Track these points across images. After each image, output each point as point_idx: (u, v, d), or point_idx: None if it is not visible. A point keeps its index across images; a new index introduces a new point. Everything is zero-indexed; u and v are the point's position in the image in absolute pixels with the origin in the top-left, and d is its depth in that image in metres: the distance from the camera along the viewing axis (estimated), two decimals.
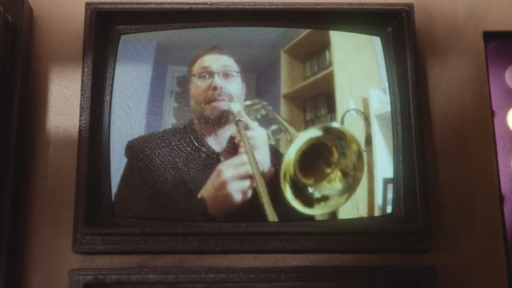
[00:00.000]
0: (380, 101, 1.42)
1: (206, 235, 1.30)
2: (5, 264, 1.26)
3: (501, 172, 1.41)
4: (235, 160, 1.36)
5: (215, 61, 1.42)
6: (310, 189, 1.36)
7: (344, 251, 1.34)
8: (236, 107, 1.39)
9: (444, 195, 1.39)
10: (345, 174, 1.36)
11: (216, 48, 1.43)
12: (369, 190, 1.37)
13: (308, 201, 1.36)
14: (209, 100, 1.40)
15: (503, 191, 1.41)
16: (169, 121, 1.39)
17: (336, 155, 1.36)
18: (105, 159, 1.35)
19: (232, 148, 1.37)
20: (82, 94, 1.35)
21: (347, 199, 1.36)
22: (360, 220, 1.36)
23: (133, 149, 1.36)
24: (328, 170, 1.36)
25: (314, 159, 1.37)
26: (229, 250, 1.31)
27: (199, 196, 1.33)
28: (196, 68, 1.42)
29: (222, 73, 1.41)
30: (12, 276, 1.30)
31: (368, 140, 1.40)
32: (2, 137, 1.31)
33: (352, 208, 1.37)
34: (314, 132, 1.39)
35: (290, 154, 1.35)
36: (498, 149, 1.42)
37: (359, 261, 1.34)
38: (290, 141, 1.37)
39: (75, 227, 1.29)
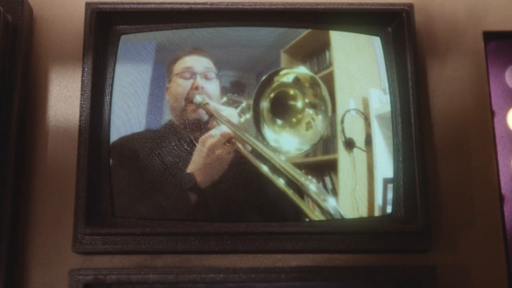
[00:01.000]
0: (380, 101, 1.42)
1: (206, 235, 1.30)
2: (5, 264, 1.26)
3: (501, 172, 1.41)
4: (214, 130, 1.38)
5: (197, 62, 1.43)
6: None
7: (344, 251, 1.33)
8: (200, 97, 1.41)
9: (444, 195, 1.39)
10: (313, 106, 1.38)
11: (196, 49, 1.44)
12: (369, 190, 1.37)
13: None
14: (190, 100, 1.40)
15: (503, 191, 1.41)
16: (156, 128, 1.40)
17: (300, 96, 1.38)
18: (105, 159, 1.35)
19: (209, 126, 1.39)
20: (82, 94, 1.35)
21: (329, 123, 1.39)
22: (360, 220, 1.36)
23: (117, 146, 1.37)
24: (299, 115, 1.38)
25: (284, 110, 1.40)
26: (229, 250, 1.31)
27: (187, 171, 1.35)
28: (178, 67, 1.42)
29: (203, 75, 1.42)
30: (12, 276, 1.30)
31: (368, 140, 1.40)
32: (2, 137, 1.31)
33: (352, 208, 1.37)
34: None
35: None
36: (498, 149, 1.43)
37: (359, 261, 1.34)
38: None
39: (75, 227, 1.29)
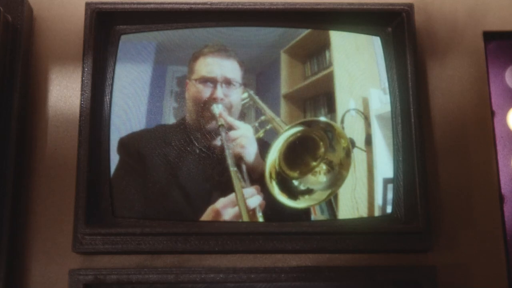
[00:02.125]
0: (380, 101, 1.42)
1: (206, 235, 1.30)
2: (5, 264, 1.26)
3: (501, 172, 1.41)
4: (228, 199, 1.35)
5: (219, 67, 1.41)
6: (295, 182, 1.36)
7: (344, 251, 1.33)
8: (218, 108, 1.38)
9: (444, 195, 1.39)
10: (330, 167, 1.36)
11: (222, 49, 1.42)
12: (369, 190, 1.37)
13: (293, 193, 1.36)
14: (207, 107, 1.39)
15: (503, 191, 1.41)
16: (169, 121, 1.39)
17: (322, 148, 1.36)
18: (105, 159, 1.35)
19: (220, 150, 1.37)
20: (82, 94, 1.35)
21: (330, 194, 1.36)
22: (360, 220, 1.36)
23: (125, 145, 1.36)
24: (314, 163, 1.36)
25: (301, 152, 1.37)
26: (229, 250, 1.31)
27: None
28: (199, 70, 1.41)
29: (225, 83, 1.40)
30: (12, 276, 1.30)
31: (368, 140, 1.40)
32: (2, 137, 1.31)
33: (352, 208, 1.37)
34: (300, 126, 1.39)
35: (274, 152, 1.35)
36: (498, 149, 1.43)
37: (359, 261, 1.34)
38: (277, 132, 1.37)
39: (75, 227, 1.29)
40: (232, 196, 1.34)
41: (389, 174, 1.38)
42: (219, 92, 1.39)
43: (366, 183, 1.37)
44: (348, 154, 1.37)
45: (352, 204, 1.37)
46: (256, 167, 1.37)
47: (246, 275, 1.30)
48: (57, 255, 1.33)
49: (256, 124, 1.40)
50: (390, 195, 1.37)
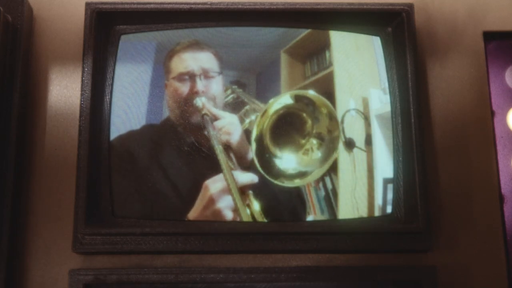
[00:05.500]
0: (380, 101, 1.42)
1: (206, 235, 1.30)
2: (5, 264, 1.26)
3: (501, 172, 1.41)
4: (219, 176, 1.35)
5: (195, 61, 1.40)
6: (287, 166, 1.36)
7: (344, 251, 1.33)
8: (201, 100, 1.38)
9: (444, 195, 1.39)
10: (321, 139, 1.36)
11: (195, 43, 1.41)
12: (369, 190, 1.37)
13: (285, 177, 1.36)
14: (189, 102, 1.39)
15: (503, 191, 1.41)
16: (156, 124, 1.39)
17: (309, 121, 1.36)
18: (105, 159, 1.35)
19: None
20: (82, 94, 1.35)
21: (328, 167, 1.37)
22: (360, 220, 1.36)
23: (113, 147, 1.36)
24: (303, 140, 1.36)
25: (289, 131, 1.37)
26: (229, 250, 1.31)
27: (186, 219, 1.33)
28: (175, 68, 1.40)
29: (203, 75, 1.40)
30: (12, 276, 1.30)
31: (368, 140, 1.40)
32: (2, 137, 1.31)
33: (352, 208, 1.37)
34: (283, 100, 1.38)
35: (256, 130, 1.36)
36: (498, 149, 1.43)
37: (359, 261, 1.34)
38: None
39: (75, 227, 1.29)
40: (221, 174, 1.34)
41: (389, 174, 1.38)
42: (199, 85, 1.39)
43: (366, 183, 1.37)
44: (331, 117, 1.37)
45: (352, 204, 1.37)
46: (243, 153, 1.36)
47: (246, 275, 1.30)
48: (57, 255, 1.33)
49: (242, 114, 1.39)
50: (390, 195, 1.37)
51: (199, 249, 1.30)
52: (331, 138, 1.37)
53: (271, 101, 1.38)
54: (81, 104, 1.35)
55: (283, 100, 1.39)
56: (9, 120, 1.32)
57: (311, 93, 1.39)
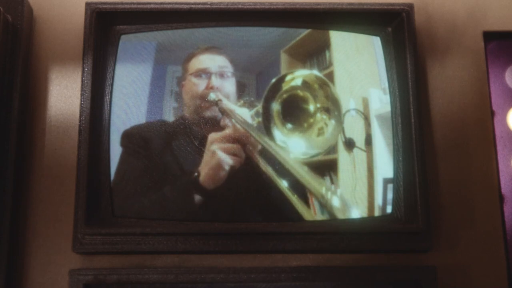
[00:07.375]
0: (380, 101, 1.42)
1: (206, 235, 1.30)
2: (5, 264, 1.26)
3: (501, 172, 1.41)
4: (224, 134, 1.38)
5: (212, 61, 1.43)
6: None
7: (344, 251, 1.34)
8: (213, 95, 1.41)
9: (444, 195, 1.39)
10: (327, 112, 1.38)
11: (212, 47, 1.43)
12: (369, 190, 1.37)
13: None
14: (204, 98, 1.40)
15: (503, 191, 1.41)
16: (169, 120, 1.39)
17: (311, 99, 1.38)
18: (105, 159, 1.35)
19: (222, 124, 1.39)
20: (82, 94, 1.35)
21: (342, 128, 1.39)
22: (360, 220, 1.36)
23: (129, 135, 1.37)
24: (311, 119, 1.39)
25: (297, 113, 1.40)
26: (229, 250, 1.31)
27: (195, 172, 1.35)
28: (193, 67, 1.42)
29: (218, 74, 1.42)
30: (12, 276, 1.30)
31: (368, 140, 1.40)
32: (2, 137, 1.31)
33: (352, 208, 1.37)
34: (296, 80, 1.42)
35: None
36: (498, 149, 1.43)
37: (359, 261, 1.34)
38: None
39: (75, 227, 1.29)
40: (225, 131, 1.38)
41: (389, 174, 1.38)
42: (214, 81, 1.41)
43: (366, 183, 1.37)
44: (321, 86, 1.40)
45: (352, 204, 1.37)
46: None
47: (246, 275, 1.30)
48: (57, 255, 1.33)
49: (253, 113, 1.41)
50: (390, 195, 1.37)
51: (199, 249, 1.30)
52: (334, 104, 1.39)
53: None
54: (81, 104, 1.35)
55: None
56: (9, 120, 1.32)
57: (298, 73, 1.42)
